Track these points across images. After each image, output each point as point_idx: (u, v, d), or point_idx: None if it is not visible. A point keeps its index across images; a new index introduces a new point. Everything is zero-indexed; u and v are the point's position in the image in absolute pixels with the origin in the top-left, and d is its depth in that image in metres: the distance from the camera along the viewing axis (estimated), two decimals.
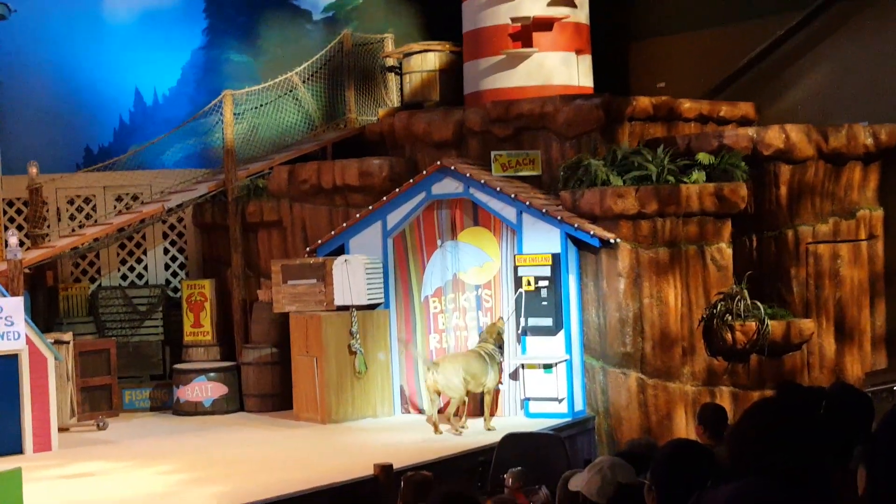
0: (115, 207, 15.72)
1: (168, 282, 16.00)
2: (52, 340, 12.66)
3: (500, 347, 12.31)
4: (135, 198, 15.81)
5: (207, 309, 15.04)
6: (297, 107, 15.99)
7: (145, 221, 15.26)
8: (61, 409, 12.81)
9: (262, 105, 15.75)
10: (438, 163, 13.18)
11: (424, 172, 13.24)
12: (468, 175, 12.87)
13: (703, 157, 12.82)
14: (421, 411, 13.12)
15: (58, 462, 11.38)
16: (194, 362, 14.77)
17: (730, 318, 12.40)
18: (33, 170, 14.64)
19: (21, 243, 13.95)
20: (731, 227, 12.75)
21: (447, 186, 13.11)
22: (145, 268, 16.00)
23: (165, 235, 16.08)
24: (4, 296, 11.92)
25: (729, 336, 12.43)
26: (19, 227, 15.37)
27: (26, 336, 11.85)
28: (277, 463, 10.81)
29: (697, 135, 13.46)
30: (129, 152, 15.71)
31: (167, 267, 16.09)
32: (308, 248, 14.15)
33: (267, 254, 14.97)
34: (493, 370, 12.13)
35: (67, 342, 13.37)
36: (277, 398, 14.25)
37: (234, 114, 15.20)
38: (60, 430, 12.46)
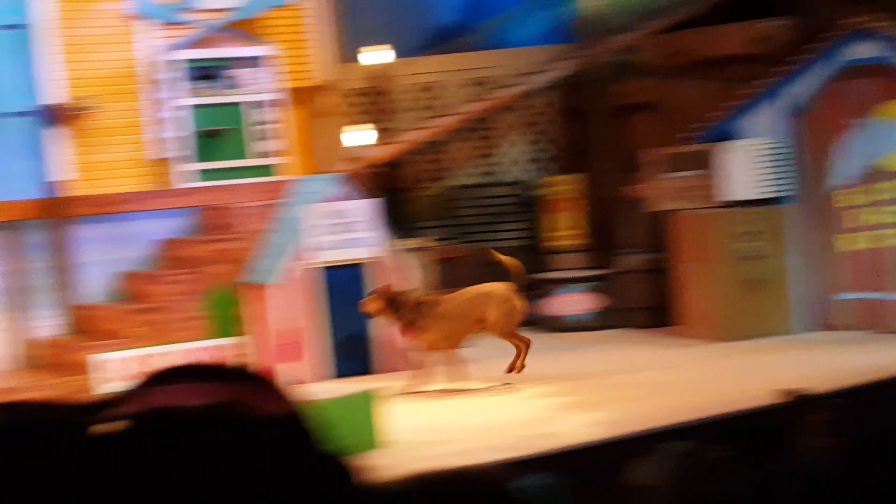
0: (468, 94, 15.79)
1: (528, 178, 15.94)
2: (404, 247, 12.90)
3: None
4: (489, 82, 15.80)
5: (575, 209, 14.94)
6: None
7: (500, 109, 15.28)
8: None
9: None
10: (851, 21, 12.40)
11: (833, 34, 12.54)
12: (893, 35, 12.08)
13: None
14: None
15: (415, 381, 11.56)
16: (561, 271, 14.71)
17: None
18: (379, 55, 14.85)
19: (369, 139, 14.23)
20: None
21: (863, 51, 12.42)
22: (503, 162, 16.04)
23: (526, 125, 16.03)
24: (351, 198, 12.17)
25: None
26: (365, 121, 15.67)
27: (376, 243, 12.10)
28: (661, 387, 10.63)
29: None
30: (482, 30, 15.72)
31: (528, 160, 16.05)
32: (690, 133, 13.65)
33: (642, 142, 14.64)
34: None
35: (421, 249, 13.60)
36: (658, 312, 13.90)
37: None
38: None
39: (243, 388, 0.92)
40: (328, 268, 11.94)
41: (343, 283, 12.02)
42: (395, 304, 11.18)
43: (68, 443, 0.82)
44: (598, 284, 14.39)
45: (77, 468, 0.79)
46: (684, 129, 14.19)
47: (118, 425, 0.86)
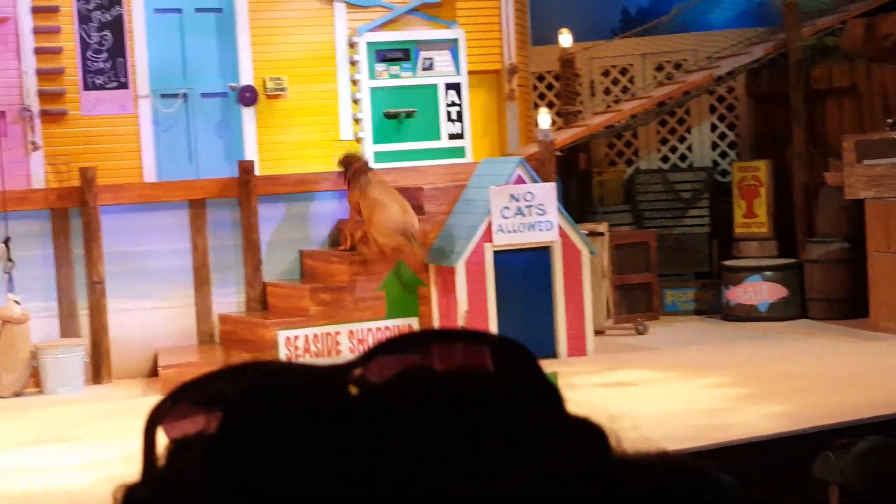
0: (654, 78, 15.68)
1: (716, 163, 15.76)
2: (587, 232, 12.89)
3: None
4: (677, 66, 15.67)
5: (763, 195, 14.68)
6: None
7: (690, 93, 15.11)
8: (596, 309, 13.00)
9: None
10: None
11: None
12: None
13: None
14: None
15: (593, 368, 11.60)
16: (747, 259, 14.50)
17: None
18: (565, 38, 14.83)
19: (552, 122, 14.24)
20: None
21: None
22: (689, 147, 15.87)
23: (713, 109, 15.83)
24: (535, 181, 12.21)
25: None
26: (550, 105, 15.70)
27: (559, 227, 12.10)
28: (850, 381, 10.41)
29: None
30: (672, 13, 15.54)
31: (715, 146, 15.84)
32: (890, 120, 13.41)
33: (837, 128, 14.37)
34: None
35: (602, 234, 13.56)
36: (848, 303, 13.66)
37: None
38: (595, 332, 12.68)
39: (494, 349, 0.98)
40: (511, 250, 12.02)
41: (525, 265, 12.09)
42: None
43: (332, 403, 0.89)
44: (785, 273, 14.13)
45: (343, 429, 0.86)
46: (882, 116, 13.84)
47: (374, 384, 0.91)
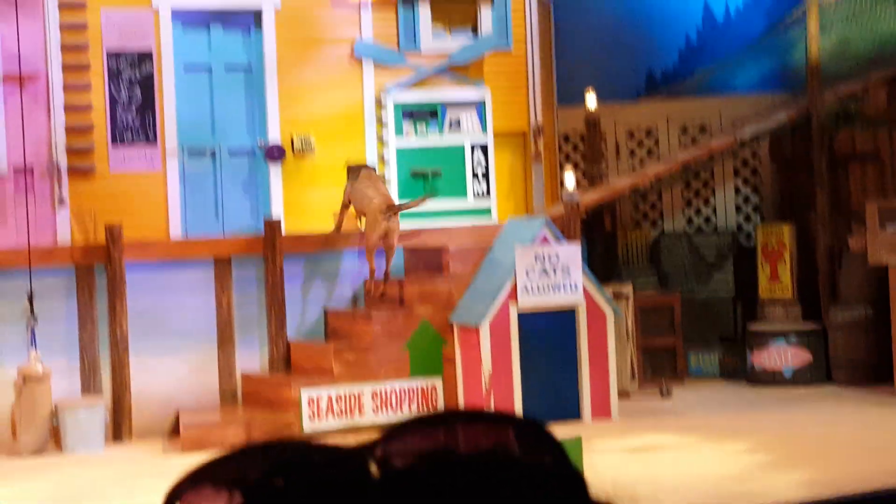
0: (679, 140, 15.75)
1: (740, 227, 15.79)
2: (611, 293, 12.89)
3: None
4: (702, 129, 15.74)
5: (786, 259, 14.68)
6: None
7: (714, 156, 15.14)
8: (621, 371, 13.00)
9: (854, 14, 15.05)
10: None
11: None
12: None
13: None
14: None
15: (618, 432, 11.57)
16: (771, 322, 14.48)
17: None
18: (591, 100, 14.92)
19: (577, 183, 14.30)
20: None
21: None
22: (713, 210, 15.90)
23: (737, 172, 15.88)
24: (561, 242, 12.24)
25: None
26: (575, 165, 15.77)
27: (584, 288, 12.11)
28: (876, 448, 10.34)
29: None
30: (696, 76, 15.65)
31: (739, 209, 15.88)
32: None
33: (860, 192, 14.37)
34: None
35: (627, 296, 13.56)
36: (873, 369, 13.62)
37: (821, 25, 14.68)
38: (620, 395, 12.66)
39: (518, 431, 0.97)
40: (536, 311, 12.03)
41: (550, 326, 12.10)
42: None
43: (353, 487, 0.88)
44: (809, 338, 14.11)
45: None
46: None
47: (396, 466, 0.91)
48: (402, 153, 13.77)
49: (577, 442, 9.09)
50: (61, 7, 12.84)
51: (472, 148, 13.91)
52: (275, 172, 13.45)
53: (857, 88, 14.72)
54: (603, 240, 15.38)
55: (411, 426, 0.90)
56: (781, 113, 14.94)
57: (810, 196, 14.84)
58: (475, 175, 13.89)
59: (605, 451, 10.54)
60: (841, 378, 13.90)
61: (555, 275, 12.07)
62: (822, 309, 14.38)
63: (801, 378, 13.99)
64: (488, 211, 13.89)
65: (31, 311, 12.08)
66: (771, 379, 14.05)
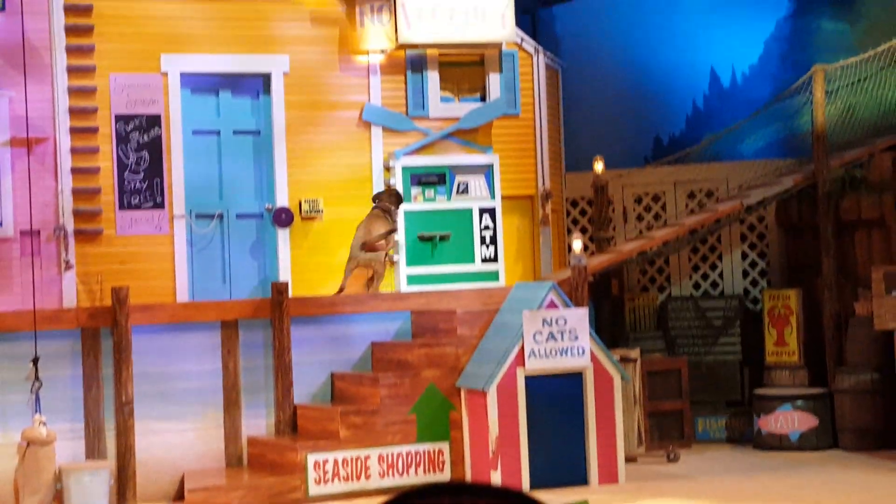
0: (686, 206, 15.85)
1: (747, 291, 15.88)
2: (619, 357, 12.92)
3: None
4: (709, 194, 15.85)
5: (793, 324, 14.73)
6: None
7: (721, 221, 15.23)
8: (628, 435, 13.00)
9: (860, 80, 15.22)
10: None
11: None
12: None
13: None
14: None
15: (625, 496, 11.57)
16: (778, 387, 14.50)
17: None
18: (599, 165, 15.03)
19: (585, 247, 14.35)
20: None
21: None
22: (720, 275, 15.98)
23: (744, 237, 15.98)
24: (568, 306, 12.27)
25: None
26: (583, 230, 15.86)
27: (591, 352, 12.13)
28: None
29: None
30: (703, 142, 15.78)
31: (745, 274, 15.96)
32: None
33: (866, 258, 14.45)
34: None
35: (634, 360, 13.59)
36: (880, 434, 13.72)
37: (827, 92, 14.83)
38: (627, 459, 12.65)
39: None
40: (543, 375, 12.04)
41: (557, 390, 12.10)
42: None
43: None
44: (815, 403, 14.11)
45: None
46: None
47: None
48: (410, 217, 13.87)
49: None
50: (70, 71, 12.98)
51: (481, 212, 14.00)
52: (282, 236, 13.53)
53: (862, 155, 14.83)
54: (610, 304, 15.44)
55: (417, 494, 0.94)
56: (787, 179, 15.04)
57: (816, 261, 14.90)
58: (483, 239, 13.97)
59: None
60: (847, 443, 13.90)
61: (562, 339, 12.08)
62: (829, 374, 14.41)
63: (808, 443, 13.99)
64: (496, 275, 13.96)
65: (36, 374, 12.07)
66: (777, 443, 14.05)
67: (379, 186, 13.86)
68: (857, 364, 14.05)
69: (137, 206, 13.09)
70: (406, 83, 14.02)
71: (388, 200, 13.42)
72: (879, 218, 14.40)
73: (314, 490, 11.82)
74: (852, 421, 13.92)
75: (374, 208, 13.40)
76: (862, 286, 14.26)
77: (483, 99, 14.30)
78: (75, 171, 12.95)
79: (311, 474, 11.87)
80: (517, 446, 11.91)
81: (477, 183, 14.04)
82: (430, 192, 13.96)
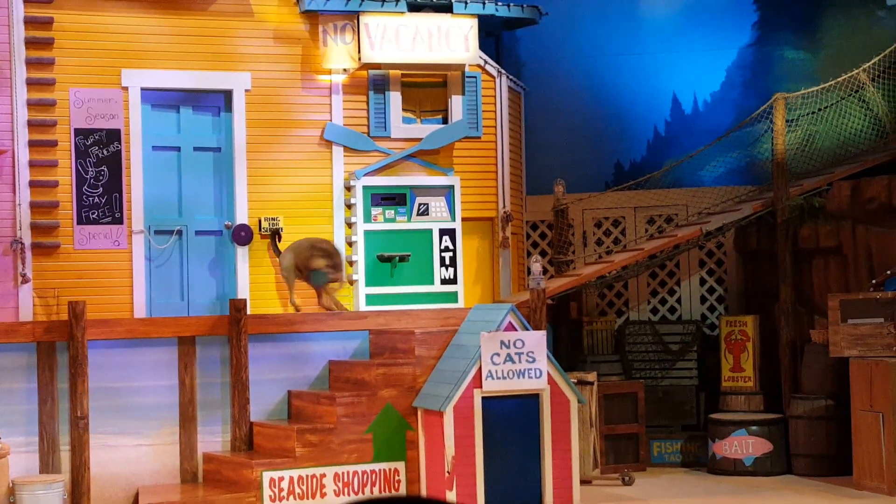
0: (646, 231, 16.04)
1: (704, 317, 16.11)
2: (575, 380, 13.08)
3: None
4: (669, 220, 16.07)
5: (749, 350, 14.95)
6: (863, 110, 15.53)
7: (680, 247, 15.44)
8: (583, 458, 13.18)
9: (820, 109, 15.50)
10: None
11: None
12: None
13: None
14: None
15: None
16: (733, 412, 14.73)
17: None
18: (559, 189, 15.22)
19: (544, 270, 14.49)
20: None
21: None
22: (678, 300, 16.19)
23: (702, 263, 16.20)
24: (526, 328, 12.42)
25: None
26: (542, 253, 16.03)
27: (548, 374, 12.26)
28: None
29: None
30: (664, 168, 15.98)
31: (703, 300, 16.19)
32: (874, 281, 13.82)
33: (823, 286, 14.70)
34: None
35: (591, 383, 13.76)
36: (833, 460, 13.97)
37: (787, 120, 15.12)
38: (582, 481, 12.82)
39: None
40: (500, 396, 12.17)
41: (514, 412, 12.22)
42: None
43: None
44: (770, 429, 14.32)
45: None
46: (867, 277, 14.11)
47: None
48: (369, 236, 14.03)
49: None
50: (29, 84, 13.09)
51: (441, 233, 14.17)
52: (241, 253, 13.66)
53: (821, 183, 15.08)
54: (568, 327, 15.60)
55: None
56: (747, 206, 15.27)
57: (774, 288, 15.11)
58: (443, 261, 14.12)
59: None
60: (801, 468, 14.14)
61: (520, 361, 12.20)
62: (784, 400, 14.64)
63: (762, 468, 14.21)
64: (455, 296, 14.11)
65: None
66: (732, 468, 14.27)
67: (340, 206, 14.00)
68: (812, 391, 14.27)
69: (96, 221, 13.19)
70: (368, 103, 14.19)
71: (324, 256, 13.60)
72: (837, 246, 14.62)
73: None
74: (806, 447, 14.14)
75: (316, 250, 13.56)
76: (818, 314, 14.49)
77: (445, 120, 14.49)
78: (33, 185, 13.05)
79: (267, 492, 11.97)
80: (473, 467, 12.03)
81: (437, 204, 14.20)
82: (390, 213, 14.13)
